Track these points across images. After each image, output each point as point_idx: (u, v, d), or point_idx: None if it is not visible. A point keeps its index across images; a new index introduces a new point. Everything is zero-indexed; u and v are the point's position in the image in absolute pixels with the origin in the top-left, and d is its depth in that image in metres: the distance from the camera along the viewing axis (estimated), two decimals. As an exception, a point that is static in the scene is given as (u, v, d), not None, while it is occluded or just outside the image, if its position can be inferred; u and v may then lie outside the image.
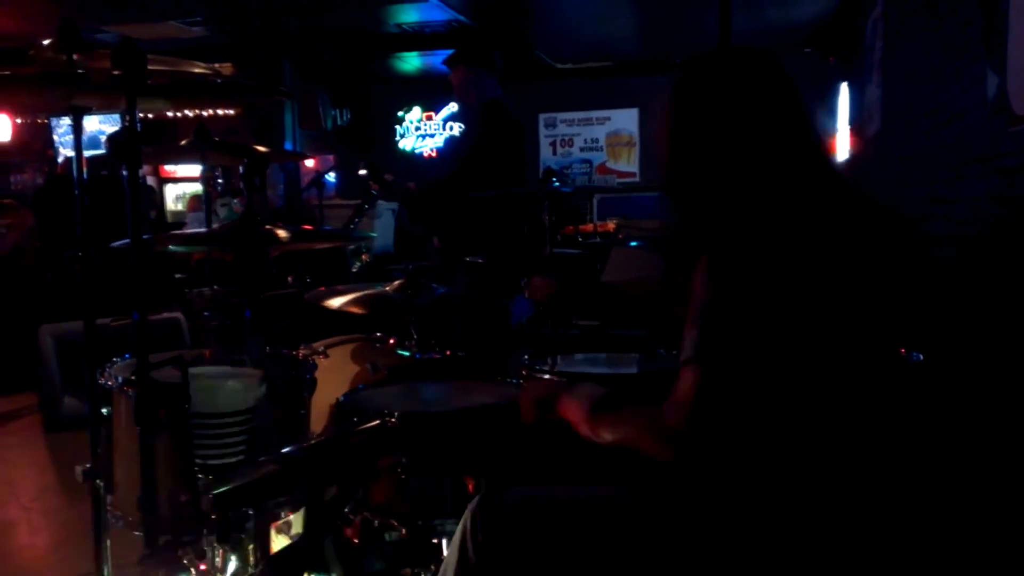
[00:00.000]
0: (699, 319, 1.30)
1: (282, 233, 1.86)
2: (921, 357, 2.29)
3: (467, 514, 1.51)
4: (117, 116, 8.19)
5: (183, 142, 2.24)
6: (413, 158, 10.67)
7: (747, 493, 1.33)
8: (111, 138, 1.40)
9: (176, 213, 10.12)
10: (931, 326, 1.71)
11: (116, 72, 1.45)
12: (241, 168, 1.74)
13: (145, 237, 1.54)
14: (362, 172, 3.63)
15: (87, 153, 1.85)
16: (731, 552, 1.33)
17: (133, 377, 1.68)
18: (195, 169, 9.59)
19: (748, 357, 1.29)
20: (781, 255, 1.31)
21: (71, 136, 1.80)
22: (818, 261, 1.32)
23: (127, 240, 1.47)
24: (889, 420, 1.37)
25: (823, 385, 1.31)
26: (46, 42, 1.73)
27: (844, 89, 7.41)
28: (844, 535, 1.32)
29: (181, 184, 10.38)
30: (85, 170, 1.82)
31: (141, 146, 1.44)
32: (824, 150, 1.46)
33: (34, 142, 10.06)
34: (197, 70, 1.88)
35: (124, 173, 1.48)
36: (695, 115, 1.43)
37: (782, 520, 1.32)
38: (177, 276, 5.47)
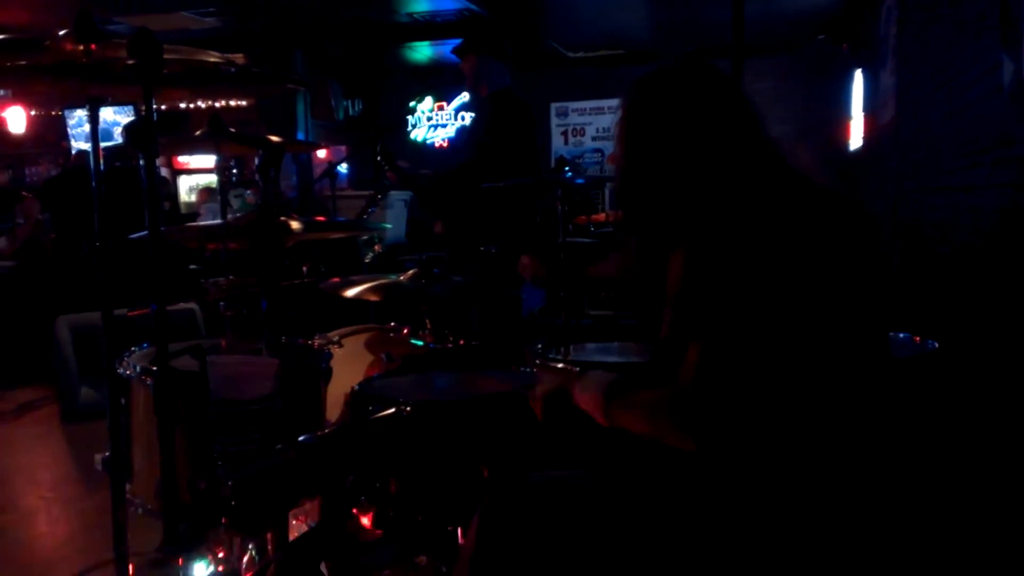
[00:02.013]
0: (680, 301, 1.35)
1: (297, 224, 1.87)
2: (936, 345, 2.29)
3: (484, 502, 1.52)
4: (131, 107, 8.24)
5: (198, 133, 2.25)
6: (425, 148, 10.67)
7: (752, 478, 1.34)
8: (128, 128, 1.41)
9: (190, 204, 10.16)
10: (949, 315, 1.71)
11: (132, 62, 1.46)
12: (256, 159, 1.74)
13: (163, 229, 1.55)
14: (378, 158, 3.64)
15: (102, 144, 1.86)
16: (743, 537, 1.33)
17: (152, 366, 1.70)
18: (208, 160, 9.62)
19: (738, 330, 1.31)
20: (753, 241, 1.35)
21: (84, 128, 1.81)
22: (785, 245, 1.36)
23: (145, 232, 1.48)
24: (874, 398, 1.38)
25: (810, 361, 1.34)
26: (62, 33, 1.74)
27: (858, 76, 7.36)
28: (844, 522, 1.33)
29: (195, 175, 10.41)
30: (109, 161, 1.83)
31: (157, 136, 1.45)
32: (774, 146, 1.49)
33: (48, 134, 10.11)
34: (211, 59, 1.88)
35: (141, 163, 1.49)
36: (649, 131, 1.51)
37: (788, 504, 1.33)
38: (192, 267, 5.50)
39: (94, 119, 1.81)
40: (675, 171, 1.46)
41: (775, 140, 1.50)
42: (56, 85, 1.84)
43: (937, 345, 2.27)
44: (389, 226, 6.33)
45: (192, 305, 4.90)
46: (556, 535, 1.45)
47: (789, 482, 1.33)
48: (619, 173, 1.57)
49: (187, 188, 10.54)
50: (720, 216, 1.38)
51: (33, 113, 9.79)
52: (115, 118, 8.70)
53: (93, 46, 1.67)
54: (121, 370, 1.90)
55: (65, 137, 9.62)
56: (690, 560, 1.36)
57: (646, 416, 1.41)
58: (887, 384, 1.42)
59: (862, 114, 7.17)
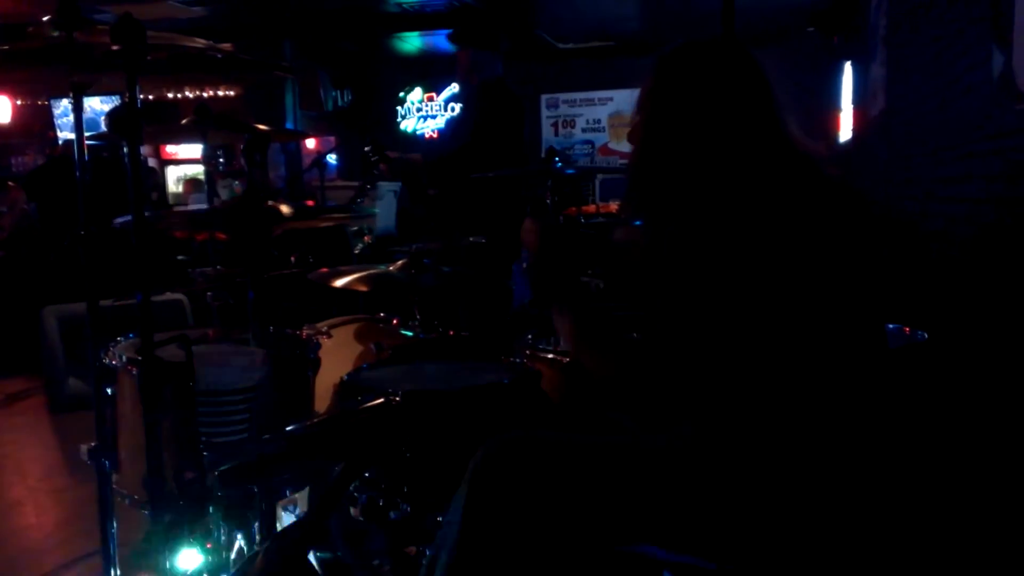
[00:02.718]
0: (673, 281, 1.37)
1: (285, 209, 1.85)
2: (926, 336, 2.29)
3: (476, 456, 1.51)
4: (117, 97, 8.18)
5: (184, 121, 2.23)
6: (415, 139, 10.63)
7: (744, 463, 1.34)
8: (111, 114, 1.39)
9: (177, 195, 10.10)
10: (939, 306, 1.72)
11: (115, 48, 1.44)
12: (242, 145, 1.73)
13: (147, 215, 1.54)
14: (367, 149, 3.63)
15: (87, 134, 1.84)
16: (733, 511, 1.34)
17: (137, 356, 1.68)
18: (196, 150, 9.56)
19: (725, 313, 1.33)
20: (749, 229, 1.36)
21: (70, 118, 1.79)
22: (784, 235, 1.36)
23: (129, 217, 1.47)
24: (863, 391, 1.39)
25: (801, 349, 1.34)
26: (45, 19, 1.72)
27: (848, 68, 7.36)
28: (834, 510, 1.34)
29: (183, 166, 10.34)
30: (86, 150, 1.81)
31: (143, 124, 1.43)
32: (791, 135, 1.49)
33: (34, 124, 10.03)
34: (196, 45, 1.87)
35: (124, 151, 1.48)
36: (672, 105, 1.50)
37: (779, 491, 1.34)
38: (179, 257, 5.47)
39: (78, 107, 1.79)
40: (691, 147, 1.47)
41: (791, 127, 1.49)
42: (40, 72, 1.81)
43: (927, 336, 2.28)
44: (376, 211, 6.29)
45: (180, 295, 4.88)
46: (549, 487, 1.44)
47: (780, 468, 1.34)
48: (637, 144, 1.57)
49: (175, 179, 10.47)
50: (722, 199, 1.39)
51: (19, 103, 9.71)
52: (102, 107, 8.63)
53: (77, 33, 1.65)
54: (107, 360, 1.88)
55: (52, 127, 9.55)
56: (681, 526, 1.37)
57: (610, 369, 1.45)
58: (882, 374, 1.42)
59: (851, 106, 7.18)
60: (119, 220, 1.62)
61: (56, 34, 1.62)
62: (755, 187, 1.40)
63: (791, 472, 1.34)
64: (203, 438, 1.63)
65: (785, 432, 1.34)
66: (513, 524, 1.42)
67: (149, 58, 1.41)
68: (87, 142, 1.84)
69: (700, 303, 1.34)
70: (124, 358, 1.82)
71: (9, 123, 9.70)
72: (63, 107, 9.52)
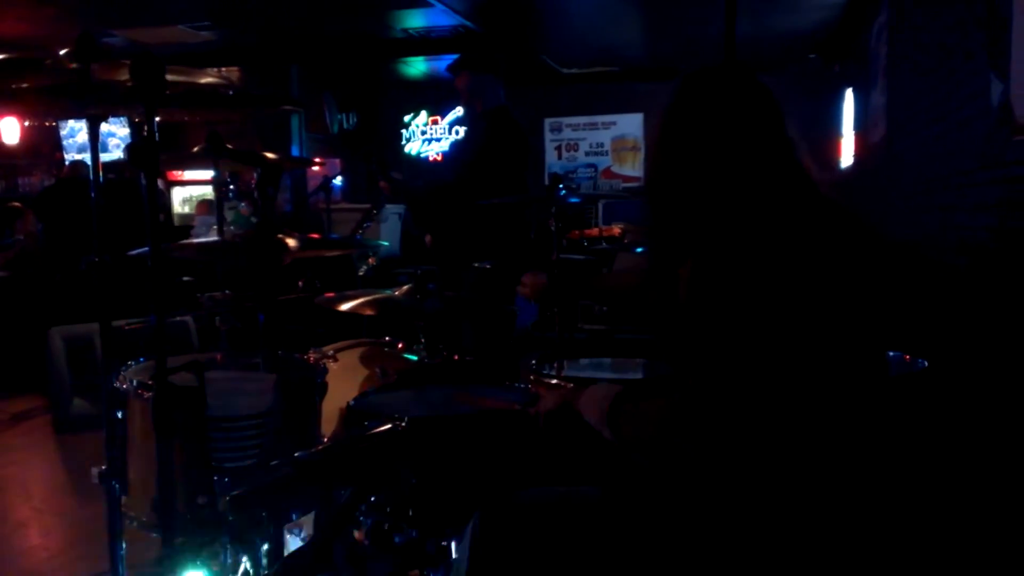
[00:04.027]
0: (684, 320, 1.38)
1: (291, 243, 1.89)
2: (926, 364, 2.31)
3: (477, 516, 1.53)
4: (124, 119, 8.24)
5: (195, 149, 2.27)
6: (419, 162, 10.70)
7: (745, 497, 1.36)
8: (130, 148, 1.43)
9: (183, 216, 10.15)
10: (937, 333, 1.74)
11: (132, 83, 1.48)
12: (255, 175, 1.77)
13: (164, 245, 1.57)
14: (372, 167, 3.68)
15: (88, 157, 1.87)
16: (740, 551, 1.35)
17: (149, 381, 1.71)
18: (203, 173, 9.59)
19: (736, 357, 1.34)
20: (763, 259, 1.37)
21: (77, 139, 1.83)
22: (797, 265, 1.38)
23: (145, 248, 1.50)
24: (871, 420, 1.41)
25: (807, 381, 1.36)
26: (63, 52, 1.76)
27: (849, 95, 7.42)
28: (832, 536, 1.36)
29: (188, 187, 10.41)
30: (102, 174, 1.84)
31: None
32: (802, 163, 1.52)
33: (42, 145, 10.11)
34: (209, 80, 1.91)
35: (140, 178, 1.51)
36: (687, 130, 1.51)
37: (776, 520, 1.35)
38: (185, 279, 5.50)
39: (94, 135, 1.83)
40: (703, 174, 1.48)
41: (801, 157, 1.52)
42: (57, 103, 1.85)
43: (927, 364, 2.29)
44: (386, 244, 6.35)
45: (186, 318, 4.91)
46: (552, 549, 1.46)
47: (785, 494, 1.36)
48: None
49: (180, 200, 10.53)
50: (733, 229, 1.41)
51: (27, 124, 9.78)
52: (109, 129, 8.69)
53: (94, 65, 1.69)
54: (118, 384, 1.91)
55: (59, 148, 9.62)
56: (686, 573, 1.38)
57: (651, 425, 1.44)
58: (882, 402, 1.44)
59: (852, 132, 7.23)
60: (134, 252, 1.65)
61: (74, 66, 1.66)
62: (768, 215, 1.42)
63: (795, 517, 1.35)
64: (214, 463, 1.65)
65: (788, 482, 1.36)
66: None
67: (167, 92, 1.45)
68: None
69: (710, 329, 1.36)
70: (135, 382, 1.85)
71: (17, 144, 9.78)
72: (69, 128, 9.60)
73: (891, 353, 2.38)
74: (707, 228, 1.45)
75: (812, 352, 1.35)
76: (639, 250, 3.87)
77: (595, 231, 7.28)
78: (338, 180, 9.11)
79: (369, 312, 2.36)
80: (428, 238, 4.33)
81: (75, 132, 9.59)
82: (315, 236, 2.03)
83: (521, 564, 1.47)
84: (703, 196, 1.48)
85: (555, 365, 2.62)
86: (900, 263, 1.53)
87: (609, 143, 10.51)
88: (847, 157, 7.33)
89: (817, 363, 1.36)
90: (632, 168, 10.45)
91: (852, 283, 1.41)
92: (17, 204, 7.49)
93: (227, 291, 2.37)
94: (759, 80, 1.54)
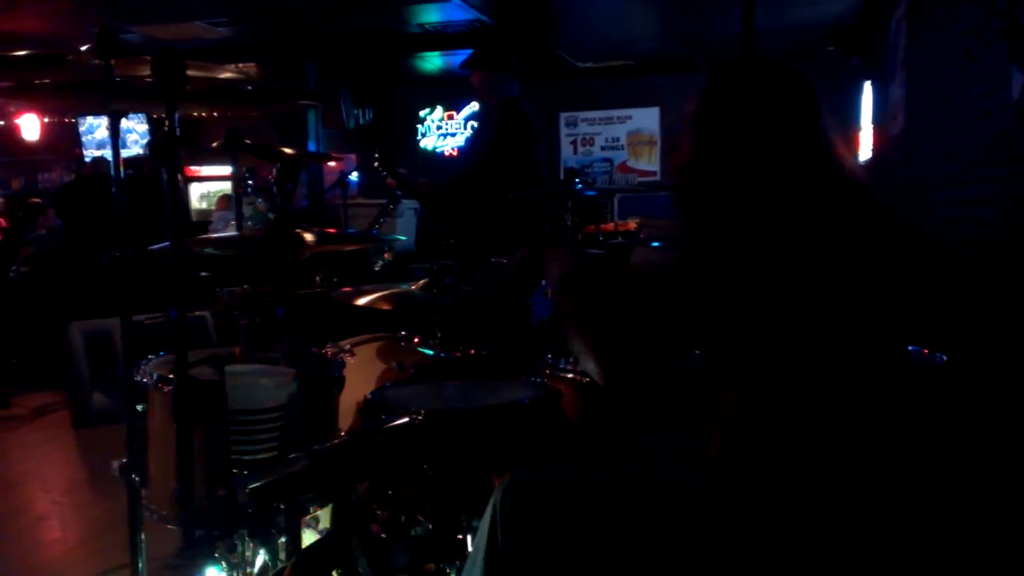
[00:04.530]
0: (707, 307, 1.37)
1: (309, 237, 1.89)
2: (945, 358, 2.30)
3: (496, 494, 1.53)
4: (143, 115, 8.29)
5: (215, 144, 2.28)
6: (434, 157, 10.71)
7: (767, 484, 1.36)
8: (152, 143, 1.44)
9: (201, 212, 10.21)
10: (955, 328, 1.73)
11: (152, 78, 1.49)
12: (274, 170, 1.77)
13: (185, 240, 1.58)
14: (376, 164, 3.68)
15: (109, 153, 1.89)
16: (755, 542, 1.35)
17: (169, 375, 1.72)
18: (220, 168, 9.61)
19: (760, 345, 1.34)
20: (791, 251, 1.38)
21: (96, 135, 1.84)
22: (824, 258, 1.38)
23: (166, 243, 1.51)
24: (894, 415, 1.40)
25: (829, 375, 1.36)
26: (84, 48, 1.78)
27: (868, 88, 7.37)
28: (849, 532, 1.35)
29: (206, 183, 10.47)
30: (122, 170, 1.86)
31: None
32: (837, 158, 1.50)
33: (61, 141, 10.20)
34: (228, 75, 1.92)
35: (160, 174, 1.52)
36: (721, 121, 1.50)
37: (791, 510, 1.35)
38: (203, 274, 5.53)
39: (115, 132, 1.84)
40: (741, 163, 1.47)
41: (836, 149, 1.51)
42: (78, 99, 1.87)
43: (946, 358, 2.28)
44: (403, 238, 6.36)
45: (204, 313, 4.94)
46: (571, 529, 1.46)
47: (802, 485, 1.35)
48: (684, 159, 1.57)
49: (198, 195, 10.59)
50: (764, 221, 1.41)
51: (46, 120, 9.87)
52: (128, 125, 8.74)
53: (114, 61, 1.70)
54: (138, 377, 1.92)
55: (78, 144, 9.69)
56: (701, 561, 1.38)
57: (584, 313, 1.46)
58: (906, 396, 1.44)
59: (871, 125, 7.18)
60: (155, 247, 1.67)
61: (96, 62, 1.67)
62: (801, 208, 1.42)
63: (817, 513, 1.35)
64: (234, 456, 1.67)
65: (812, 475, 1.36)
66: (535, 567, 1.44)
67: (188, 88, 1.46)
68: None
69: (738, 319, 1.36)
70: (155, 376, 1.87)
71: (37, 141, 9.87)
72: (88, 124, 9.67)
73: (910, 347, 2.37)
74: (738, 220, 1.44)
75: (834, 341, 1.35)
76: (655, 244, 3.86)
77: (611, 226, 7.26)
78: (354, 176, 9.13)
79: (386, 307, 2.37)
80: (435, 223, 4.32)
81: (94, 128, 9.66)
82: (332, 231, 2.04)
83: (541, 538, 1.46)
84: (738, 187, 1.47)
85: (571, 359, 2.62)
86: (929, 257, 1.52)
87: (625, 137, 10.48)
88: (866, 150, 7.28)
89: (839, 353, 1.36)
90: (648, 162, 10.41)
91: (877, 275, 1.40)
92: (38, 200, 7.55)
93: (245, 286, 2.39)
94: (797, 71, 1.52)
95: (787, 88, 1.50)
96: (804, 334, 1.34)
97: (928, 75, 4.58)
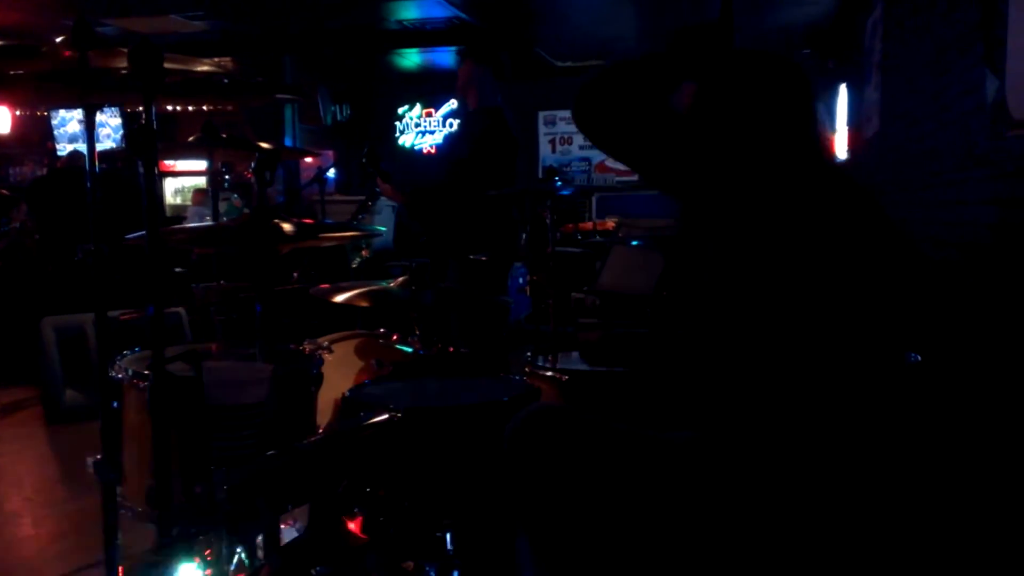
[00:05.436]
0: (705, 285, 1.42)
1: (287, 227, 1.88)
2: (919, 358, 2.32)
3: (514, 419, 1.59)
4: (116, 108, 8.21)
5: (191, 139, 2.26)
6: (412, 154, 10.69)
7: (755, 466, 1.38)
8: (130, 135, 1.42)
9: (175, 207, 10.12)
10: (931, 329, 1.76)
11: (129, 70, 1.47)
12: (252, 164, 1.76)
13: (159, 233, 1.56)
14: (364, 160, 3.67)
15: (82, 147, 1.87)
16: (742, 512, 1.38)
17: (145, 371, 1.70)
18: (195, 164, 9.53)
19: (754, 331, 1.37)
20: (785, 240, 1.41)
21: (68, 128, 1.82)
22: (818, 248, 1.42)
23: (141, 233, 1.50)
24: (884, 408, 1.42)
25: (826, 361, 1.40)
26: (59, 40, 1.75)
27: (843, 90, 7.44)
28: (844, 523, 1.37)
29: (180, 178, 10.38)
30: (97, 164, 1.83)
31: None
32: (827, 150, 1.53)
33: (33, 134, 10.06)
34: (205, 68, 1.90)
35: (134, 168, 1.50)
36: (725, 108, 1.54)
37: (785, 494, 1.37)
38: (177, 270, 5.48)
39: (90, 124, 1.81)
40: (742, 148, 1.50)
41: (827, 142, 1.54)
42: (53, 91, 1.84)
43: (920, 358, 2.30)
44: (383, 229, 6.34)
45: (179, 309, 4.89)
46: (572, 463, 1.49)
47: (789, 471, 1.37)
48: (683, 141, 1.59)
49: (172, 190, 10.50)
50: (762, 206, 1.43)
51: (18, 113, 9.73)
52: (101, 119, 8.65)
53: (90, 53, 1.68)
54: (113, 373, 1.90)
55: (50, 137, 9.57)
56: (694, 538, 1.40)
57: None
58: (897, 392, 1.46)
59: (846, 128, 7.25)
60: (131, 236, 1.65)
61: (70, 55, 1.65)
62: (795, 197, 1.44)
63: (797, 483, 1.37)
64: (211, 453, 1.65)
65: (795, 439, 1.38)
66: (541, 488, 1.49)
67: (166, 80, 1.44)
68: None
69: (731, 306, 1.38)
70: (131, 372, 1.84)
71: (8, 134, 9.73)
72: (60, 117, 9.56)
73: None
74: (734, 208, 1.46)
75: (828, 334, 1.37)
76: (634, 244, 3.88)
77: (589, 225, 7.28)
78: (331, 172, 9.09)
79: (364, 304, 2.36)
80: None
81: (66, 121, 9.55)
82: (309, 221, 2.03)
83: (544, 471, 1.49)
84: (736, 175, 1.50)
85: (549, 358, 2.63)
86: (911, 255, 1.56)
87: (603, 137, 10.50)
88: (841, 152, 7.35)
89: (833, 345, 1.38)
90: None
91: (872, 267, 1.45)
92: (6, 192, 7.45)
93: (222, 282, 2.37)
94: (797, 64, 1.56)
95: (785, 78, 1.54)
96: (788, 304, 1.36)
97: (904, 78, 4.63)
